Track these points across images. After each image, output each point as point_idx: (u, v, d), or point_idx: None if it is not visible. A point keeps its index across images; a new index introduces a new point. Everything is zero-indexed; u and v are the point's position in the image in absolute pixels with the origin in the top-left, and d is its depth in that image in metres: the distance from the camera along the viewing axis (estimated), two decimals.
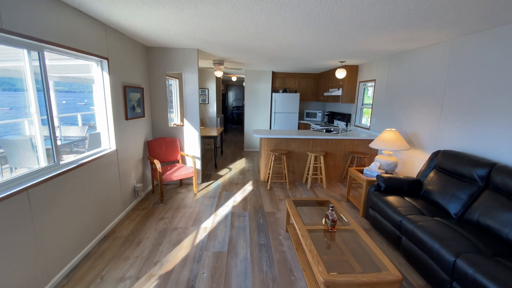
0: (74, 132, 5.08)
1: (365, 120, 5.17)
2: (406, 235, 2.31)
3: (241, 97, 12.82)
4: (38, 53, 1.96)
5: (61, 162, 2.21)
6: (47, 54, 2.06)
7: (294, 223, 2.33)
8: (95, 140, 3.77)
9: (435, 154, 2.96)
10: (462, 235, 2.01)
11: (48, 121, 2.09)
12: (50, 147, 2.15)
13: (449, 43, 2.98)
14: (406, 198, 2.75)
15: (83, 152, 4.62)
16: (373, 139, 4.44)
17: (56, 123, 3.80)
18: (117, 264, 2.30)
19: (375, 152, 4.52)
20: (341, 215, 2.50)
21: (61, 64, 3.13)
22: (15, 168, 3.25)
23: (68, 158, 2.33)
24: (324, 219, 2.31)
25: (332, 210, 2.19)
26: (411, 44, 3.25)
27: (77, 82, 3.88)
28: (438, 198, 2.62)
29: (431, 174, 2.88)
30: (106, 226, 2.80)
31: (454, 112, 2.92)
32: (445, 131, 3.05)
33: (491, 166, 2.32)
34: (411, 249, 2.26)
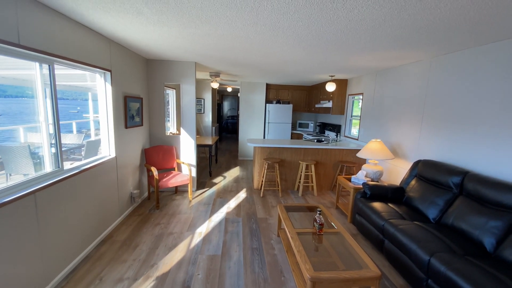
0: (70, 139, 5.16)
1: (355, 131, 5.42)
2: (388, 238, 2.49)
3: (235, 106, 13.07)
4: (49, 66, 2.12)
5: (65, 168, 2.33)
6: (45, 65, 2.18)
7: (285, 227, 2.49)
8: (92, 147, 3.88)
9: (416, 164, 3.19)
10: (437, 237, 2.20)
11: (55, 129, 2.23)
12: (53, 153, 2.28)
13: (427, 62, 3.26)
14: (390, 204, 2.94)
15: (80, 159, 4.69)
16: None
17: (51, 130, 3.91)
18: (115, 266, 2.39)
19: (363, 161, 4.74)
20: (331, 222, 2.66)
21: (58, 74, 3.28)
22: (10, 175, 3.32)
23: (65, 165, 2.45)
24: (313, 223, 2.47)
25: (319, 214, 2.35)
26: (394, 62, 3.53)
27: (71, 90, 4.00)
28: (418, 204, 2.82)
29: (413, 182, 3.09)
30: (103, 231, 2.89)
31: (433, 124, 3.17)
32: (425, 142, 3.29)
33: (464, 174, 2.55)
34: (392, 251, 2.43)
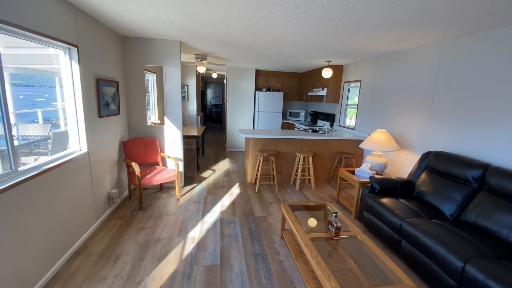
0: (34, 130, 4.46)
1: (349, 120, 5.19)
2: (407, 239, 2.26)
3: (219, 95, 12.46)
4: None
5: (20, 168, 1.83)
6: (2, 38, 1.68)
7: (294, 230, 2.17)
8: (60, 139, 3.30)
9: (426, 155, 2.98)
10: (465, 239, 1.99)
11: (3, 118, 1.70)
12: (5, 149, 1.76)
13: (440, 45, 3.00)
14: (401, 200, 2.72)
15: (46, 153, 4.06)
16: (360, 140, 4.45)
17: (12, 120, 3.26)
18: (92, 286, 1.96)
19: (362, 152, 4.53)
20: (345, 223, 2.38)
21: (19, 53, 2.67)
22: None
23: (27, 160, 1.96)
24: (327, 226, 2.18)
25: (336, 216, 2.06)
26: (400, 45, 3.25)
27: (38, 75, 3.38)
28: (432, 199, 2.62)
29: (423, 175, 2.88)
30: (77, 241, 2.42)
31: (444, 113, 2.96)
32: (434, 132, 3.08)
33: (485, 168, 2.35)
34: (412, 253, 2.21)
